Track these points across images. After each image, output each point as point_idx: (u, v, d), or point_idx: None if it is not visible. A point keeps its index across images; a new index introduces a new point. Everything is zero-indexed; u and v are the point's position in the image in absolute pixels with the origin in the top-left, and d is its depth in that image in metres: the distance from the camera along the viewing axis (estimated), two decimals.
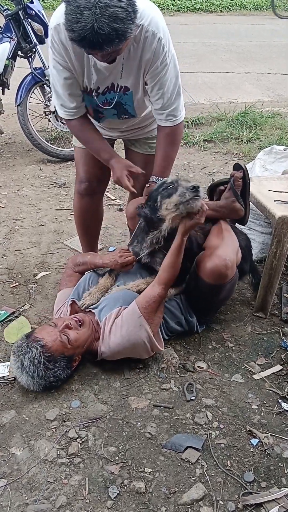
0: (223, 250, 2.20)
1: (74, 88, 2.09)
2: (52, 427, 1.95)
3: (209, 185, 2.62)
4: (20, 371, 2.02)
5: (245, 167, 2.39)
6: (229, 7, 12.89)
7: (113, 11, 1.56)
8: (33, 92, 4.27)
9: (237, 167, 2.43)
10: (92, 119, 2.28)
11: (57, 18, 1.88)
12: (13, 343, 2.28)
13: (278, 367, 2.28)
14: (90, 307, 2.30)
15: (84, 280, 2.46)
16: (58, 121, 4.44)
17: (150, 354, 2.20)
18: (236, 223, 2.58)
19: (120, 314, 2.15)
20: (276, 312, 2.63)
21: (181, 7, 12.30)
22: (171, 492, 1.72)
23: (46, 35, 4.21)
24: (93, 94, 2.11)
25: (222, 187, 2.48)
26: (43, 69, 4.19)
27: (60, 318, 2.24)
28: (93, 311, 2.27)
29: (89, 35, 1.59)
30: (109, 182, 2.66)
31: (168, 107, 2.08)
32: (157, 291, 2.11)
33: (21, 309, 2.63)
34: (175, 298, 2.36)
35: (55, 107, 4.25)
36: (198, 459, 1.84)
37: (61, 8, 1.84)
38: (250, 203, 2.60)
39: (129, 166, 2.22)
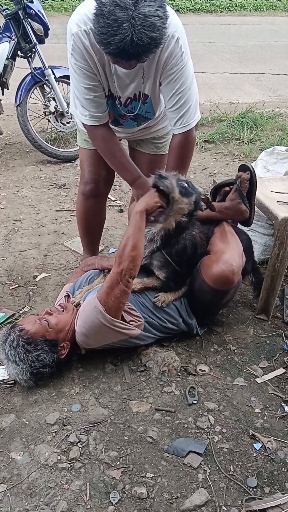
0: (230, 255, 2.16)
1: (99, 90, 2.05)
2: (53, 431, 1.93)
3: (214, 186, 2.59)
4: (6, 361, 2.05)
5: (253, 168, 2.35)
6: (229, 7, 12.88)
7: (151, 21, 1.55)
8: (32, 92, 4.25)
9: (243, 168, 2.39)
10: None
11: (77, 24, 1.85)
12: None
13: (281, 370, 2.26)
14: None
15: (83, 277, 2.47)
16: (58, 122, 4.42)
17: (121, 336, 2.11)
18: (240, 225, 2.56)
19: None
20: (279, 315, 2.61)
21: (181, 8, 12.29)
22: (173, 497, 1.70)
23: (46, 35, 4.20)
24: (117, 101, 2.10)
25: (227, 188, 2.45)
26: (43, 69, 4.16)
27: (45, 310, 2.26)
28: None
29: (128, 47, 1.57)
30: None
31: (182, 110, 2.03)
32: (110, 273, 2.05)
33: (20, 311, 2.60)
34: (173, 302, 2.34)
35: (55, 107, 4.30)
36: (200, 464, 1.81)
37: (79, 13, 1.82)
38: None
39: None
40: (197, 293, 2.28)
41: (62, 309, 2.19)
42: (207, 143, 4.95)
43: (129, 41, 1.55)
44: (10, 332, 2.07)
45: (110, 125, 2.25)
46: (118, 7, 1.53)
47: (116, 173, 2.36)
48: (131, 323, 2.14)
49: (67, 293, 2.41)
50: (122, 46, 1.57)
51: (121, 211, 3.69)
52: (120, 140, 2.51)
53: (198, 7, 12.49)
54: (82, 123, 2.19)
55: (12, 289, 2.79)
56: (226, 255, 2.16)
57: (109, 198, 3.82)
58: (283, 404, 2.08)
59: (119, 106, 2.13)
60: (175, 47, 1.87)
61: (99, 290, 2.08)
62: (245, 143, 4.86)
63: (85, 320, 2.08)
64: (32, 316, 2.18)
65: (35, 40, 4.11)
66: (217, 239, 2.32)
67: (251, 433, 1.94)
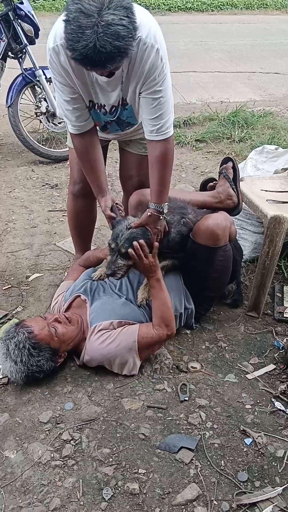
0: (217, 215, 2.34)
1: (78, 102, 2.07)
2: (46, 429, 1.95)
3: (200, 183, 2.76)
4: (5, 357, 2.06)
5: (233, 158, 2.61)
6: (221, 6, 12.88)
7: (115, 29, 1.56)
8: (24, 93, 4.25)
9: (226, 160, 2.63)
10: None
11: (54, 38, 1.86)
12: None
13: (271, 366, 2.29)
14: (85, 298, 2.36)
15: (81, 279, 2.50)
16: (49, 122, 4.43)
17: (122, 373, 2.22)
18: (232, 215, 2.61)
19: (117, 330, 2.16)
20: (269, 312, 2.64)
21: (172, 7, 12.28)
22: (165, 492, 1.73)
23: (36, 36, 4.19)
24: (102, 110, 2.12)
25: (211, 183, 2.63)
26: (34, 70, 4.16)
27: (51, 314, 2.32)
28: (87, 306, 2.30)
29: (91, 53, 1.58)
30: None
31: (161, 119, 2.02)
32: (153, 331, 2.17)
33: (13, 312, 2.62)
34: (176, 280, 2.42)
35: (46, 108, 4.31)
36: (192, 459, 1.84)
37: (57, 28, 1.83)
38: (243, 203, 2.62)
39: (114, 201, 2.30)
40: (190, 260, 2.37)
41: (68, 320, 2.21)
42: (198, 142, 4.96)
43: (91, 48, 1.57)
44: (19, 331, 2.07)
45: (97, 130, 2.27)
46: (82, 14, 1.55)
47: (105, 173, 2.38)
48: None
49: (85, 298, 2.38)
50: (85, 53, 1.58)
51: None
52: (110, 141, 2.54)
53: (189, 6, 12.48)
54: None
55: (4, 289, 2.80)
56: (214, 215, 2.34)
57: None
58: (273, 400, 2.11)
59: (104, 115, 2.15)
60: (156, 58, 1.87)
61: (141, 337, 2.14)
62: (236, 142, 4.88)
63: (114, 353, 2.14)
64: (40, 319, 2.18)
65: (25, 41, 4.10)
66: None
67: (241, 429, 1.97)
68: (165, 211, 2.19)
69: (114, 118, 2.18)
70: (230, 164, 2.59)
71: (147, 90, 1.97)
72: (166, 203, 2.18)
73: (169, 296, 2.23)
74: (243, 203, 2.61)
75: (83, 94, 2.05)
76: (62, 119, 4.12)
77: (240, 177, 2.66)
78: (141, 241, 2.10)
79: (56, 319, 2.18)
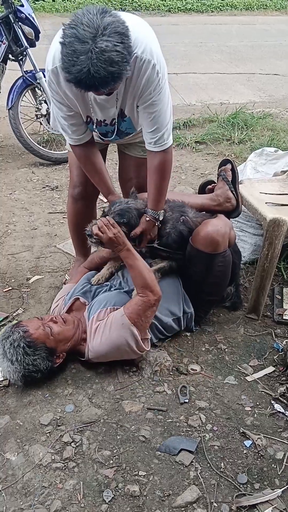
0: (217, 221, 2.34)
1: (76, 119, 2.12)
2: (47, 431, 1.96)
3: (199, 186, 2.77)
4: (2, 357, 2.08)
5: (232, 160, 2.61)
6: (220, 7, 12.88)
7: (108, 56, 1.58)
8: (24, 95, 4.27)
9: (224, 162, 2.64)
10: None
11: (52, 60, 1.88)
12: None
13: (270, 369, 2.30)
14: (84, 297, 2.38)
15: (82, 280, 2.52)
16: (49, 124, 4.44)
17: (137, 354, 2.21)
18: (232, 218, 2.63)
19: (107, 316, 2.19)
20: (269, 314, 2.65)
21: (172, 8, 12.28)
22: (166, 495, 1.74)
23: (36, 38, 4.21)
24: (102, 125, 2.16)
25: (210, 186, 2.63)
26: (34, 72, 4.18)
27: (48, 315, 2.35)
28: (87, 308, 2.32)
29: (85, 78, 1.61)
30: None
31: (158, 132, 2.06)
32: (137, 298, 2.17)
33: (14, 314, 2.63)
34: (175, 284, 2.43)
35: (46, 110, 4.32)
36: (192, 461, 1.85)
37: (55, 49, 1.84)
38: (242, 206, 2.63)
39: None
40: (189, 265, 2.38)
41: (63, 321, 2.23)
42: (198, 144, 4.97)
43: (85, 73, 1.60)
44: (14, 330, 2.10)
45: (97, 137, 2.31)
46: (77, 39, 1.58)
47: None
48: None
49: (84, 300, 2.41)
50: (79, 77, 1.62)
51: None
52: (109, 144, 2.56)
53: (189, 7, 12.49)
54: None
55: (5, 291, 2.81)
56: (214, 221, 2.34)
57: (101, 199, 3.85)
58: (272, 402, 2.12)
59: (105, 126, 2.19)
60: (152, 73, 1.88)
61: (126, 308, 2.15)
62: (236, 143, 4.89)
63: (111, 339, 2.13)
64: (36, 319, 2.21)
65: (26, 44, 4.12)
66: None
67: (241, 431, 1.98)
68: (161, 218, 2.26)
69: (114, 130, 2.22)
70: (229, 166, 2.59)
71: (143, 103, 2.00)
72: (162, 211, 2.26)
73: (145, 263, 2.23)
74: (242, 205, 2.62)
75: (82, 112, 2.09)
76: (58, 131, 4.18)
77: (239, 180, 2.66)
78: (104, 219, 2.15)
79: (52, 319, 2.21)
